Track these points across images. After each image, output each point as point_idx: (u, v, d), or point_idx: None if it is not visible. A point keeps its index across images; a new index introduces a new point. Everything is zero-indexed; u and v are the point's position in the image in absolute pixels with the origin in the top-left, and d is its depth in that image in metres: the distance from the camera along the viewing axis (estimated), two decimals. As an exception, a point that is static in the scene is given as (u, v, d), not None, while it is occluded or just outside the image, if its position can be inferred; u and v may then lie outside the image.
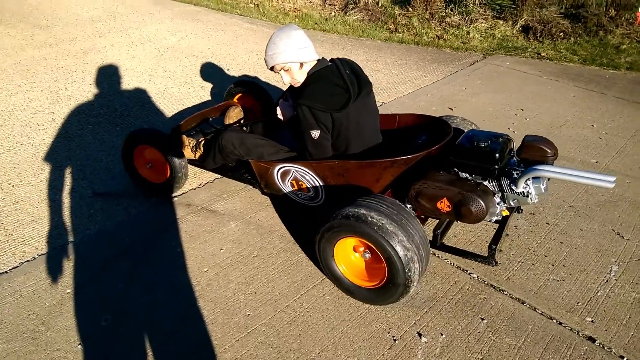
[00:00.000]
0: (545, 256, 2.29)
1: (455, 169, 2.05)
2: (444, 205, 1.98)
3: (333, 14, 7.01)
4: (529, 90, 4.29)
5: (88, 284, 2.04)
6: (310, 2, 7.66)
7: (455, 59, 5.13)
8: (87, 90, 3.89)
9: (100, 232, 2.35)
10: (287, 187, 2.40)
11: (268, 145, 2.43)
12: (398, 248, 1.79)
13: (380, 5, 7.01)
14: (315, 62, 2.21)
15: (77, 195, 2.62)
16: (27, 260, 2.15)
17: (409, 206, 2.12)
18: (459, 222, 2.04)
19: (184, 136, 2.67)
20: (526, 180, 1.94)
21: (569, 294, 2.07)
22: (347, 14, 6.77)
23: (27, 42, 4.89)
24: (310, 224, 2.43)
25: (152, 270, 2.13)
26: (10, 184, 2.68)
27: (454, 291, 2.07)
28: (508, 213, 2.14)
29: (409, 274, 1.81)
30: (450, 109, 3.88)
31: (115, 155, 3.00)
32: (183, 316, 1.90)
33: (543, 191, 1.97)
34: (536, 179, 1.94)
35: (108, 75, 4.19)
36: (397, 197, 2.13)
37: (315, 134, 2.15)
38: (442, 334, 1.86)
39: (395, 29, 6.19)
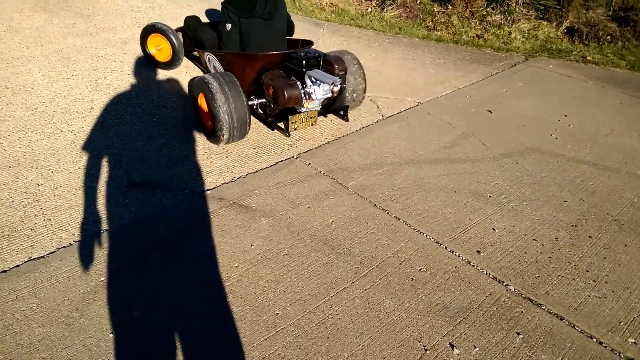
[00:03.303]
0: (587, 271, 2.19)
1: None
2: (270, 91, 3.09)
3: (370, 9, 6.92)
4: (573, 95, 4.12)
5: (121, 273, 2.06)
6: (347, -3, 7.58)
7: (495, 60, 4.98)
8: (125, 80, 3.95)
9: (135, 222, 2.38)
10: (211, 69, 3.55)
11: (209, 34, 3.60)
12: (217, 110, 2.83)
13: (418, 2, 6.87)
14: None
15: (113, 183, 2.66)
16: (64, 246, 2.19)
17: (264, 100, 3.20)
18: (278, 105, 3.07)
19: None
20: (310, 82, 3.06)
21: (611, 312, 1.97)
22: (384, 10, 6.67)
23: (69, 31, 5.01)
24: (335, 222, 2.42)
25: (184, 262, 2.14)
26: (49, 169, 2.75)
27: (489, 302, 2.00)
28: (307, 106, 3.11)
29: (220, 129, 2.88)
30: (489, 111, 3.76)
31: (152, 146, 3.04)
32: (213, 311, 1.90)
33: (321, 94, 3.08)
34: (318, 84, 3.07)
35: (146, 66, 4.25)
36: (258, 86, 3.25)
37: (228, 26, 3.21)
38: (475, 347, 1.79)
39: (434, 26, 6.06)
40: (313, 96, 3.07)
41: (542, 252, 2.30)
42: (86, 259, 2.12)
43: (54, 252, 2.16)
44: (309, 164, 3.00)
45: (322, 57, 3.14)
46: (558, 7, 6.11)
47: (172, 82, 3.99)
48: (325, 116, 3.47)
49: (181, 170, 2.83)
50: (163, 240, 2.27)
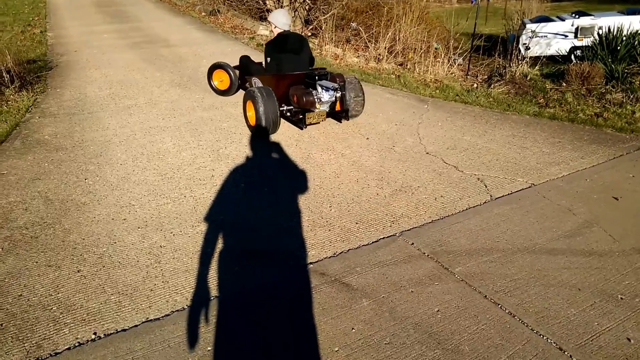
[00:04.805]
0: None
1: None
2: (294, 99, 4.55)
3: (476, 85, 6.89)
4: None
5: (226, 345, 2.11)
6: (452, 73, 7.65)
7: (618, 141, 4.59)
8: (242, 151, 4.29)
9: (242, 291, 2.46)
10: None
11: (255, 67, 5.26)
12: (259, 110, 4.30)
13: (528, 78, 6.70)
14: (284, 30, 4.76)
15: (225, 250, 2.82)
16: (177, 310, 2.32)
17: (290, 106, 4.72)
18: (299, 107, 4.56)
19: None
20: (320, 89, 4.51)
21: None
22: (491, 87, 6.59)
23: (197, 104, 5.65)
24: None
25: (285, 339, 2.14)
26: (172, 232, 3.00)
27: None
28: (319, 108, 4.55)
29: (260, 124, 4.35)
30: (615, 198, 3.42)
31: (261, 215, 3.19)
32: (311, 398, 1.85)
33: (327, 97, 4.53)
34: (325, 90, 4.51)
35: (261, 138, 4.59)
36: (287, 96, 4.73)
37: (268, 59, 4.76)
38: None
39: (546, 103, 5.81)
40: (323, 99, 4.49)
41: (696, 377, 1.93)
42: (196, 326, 2.22)
43: (168, 315, 2.29)
44: (412, 243, 2.92)
45: (329, 74, 4.64)
46: (694, 84, 5.56)
47: (282, 154, 4.25)
48: (340, 121, 4.97)
49: (287, 241, 2.92)
50: (267, 313, 2.31)
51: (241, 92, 5.94)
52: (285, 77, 4.63)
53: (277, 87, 4.60)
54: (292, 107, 4.65)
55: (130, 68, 7.48)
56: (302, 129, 4.63)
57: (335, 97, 4.55)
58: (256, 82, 5.00)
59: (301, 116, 4.52)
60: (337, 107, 4.75)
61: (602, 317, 2.28)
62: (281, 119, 4.61)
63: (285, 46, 4.66)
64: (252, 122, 4.51)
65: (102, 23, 12.28)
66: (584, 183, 3.70)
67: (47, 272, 2.60)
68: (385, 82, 6.98)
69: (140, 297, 2.41)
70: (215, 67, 5.71)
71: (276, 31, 4.80)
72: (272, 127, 4.39)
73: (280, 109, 4.52)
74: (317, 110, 4.53)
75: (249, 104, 4.52)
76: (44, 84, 6.56)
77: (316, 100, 4.43)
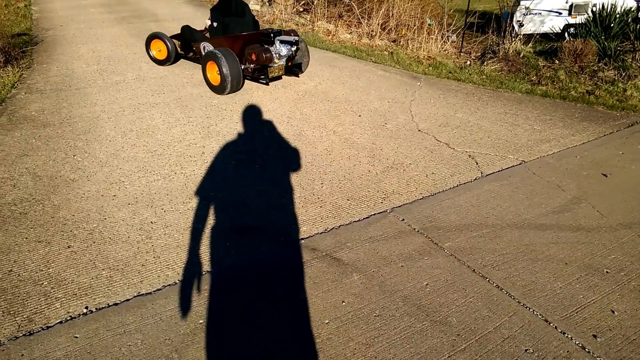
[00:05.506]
0: None
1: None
2: (253, 57, 4.88)
3: (469, 63, 6.85)
4: None
5: (218, 318, 2.13)
6: (445, 50, 7.59)
7: (609, 119, 4.61)
8: (233, 128, 4.25)
9: (233, 266, 2.47)
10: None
11: (199, 34, 5.50)
12: (223, 69, 4.68)
13: (522, 55, 6.67)
14: None
15: (217, 226, 2.82)
16: (169, 285, 2.33)
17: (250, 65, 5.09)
18: (259, 64, 4.96)
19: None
20: (278, 44, 4.93)
21: None
22: (484, 64, 6.55)
23: (187, 80, 5.56)
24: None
25: (277, 313, 2.16)
26: (163, 209, 2.99)
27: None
28: (278, 62, 5.06)
29: (226, 82, 4.76)
30: (604, 175, 3.45)
31: (252, 192, 3.19)
32: (302, 368, 1.88)
33: (286, 51, 5.03)
34: (282, 43, 4.97)
35: (252, 115, 4.55)
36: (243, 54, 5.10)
37: (215, 24, 5.14)
38: None
39: (539, 81, 5.80)
40: (281, 54, 4.98)
41: (675, 346, 1.99)
42: (188, 300, 2.23)
43: (160, 289, 2.30)
44: (403, 219, 2.94)
45: (282, 31, 5.01)
46: (685, 62, 5.57)
47: (274, 131, 4.22)
48: (297, 76, 5.60)
49: (278, 217, 2.92)
50: (258, 287, 2.32)
51: (184, 61, 5.89)
52: (239, 38, 5.02)
53: (232, 48, 4.97)
54: (248, 65, 5.06)
55: (118, 43, 7.32)
56: (267, 84, 5.19)
57: (292, 51, 5.07)
58: (206, 47, 5.30)
59: (262, 75, 5.04)
60: (289, 63, 5.29)
61: (588, 290, 2.33)
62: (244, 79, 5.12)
63: (230, 10, 5.16)
64: (216, 81, 4.89)
65: (89, -3, 11.96)
66: (574, 160, 3.73)
67: (37, 248, 2.59)
68: (378, 59, 6.91)
69: (132, 272, 2.42)
70: (152, 37, 5.91)
71: None
72: (237, 84, 4.82)
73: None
74: (276, 65, 5.03)
75: (211, 65, 4.89)
76: (30, 60, 6.41)
77: (274, 55, 4.93)
